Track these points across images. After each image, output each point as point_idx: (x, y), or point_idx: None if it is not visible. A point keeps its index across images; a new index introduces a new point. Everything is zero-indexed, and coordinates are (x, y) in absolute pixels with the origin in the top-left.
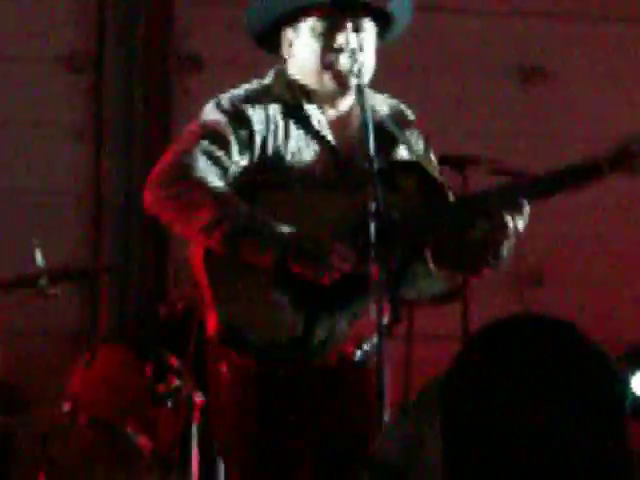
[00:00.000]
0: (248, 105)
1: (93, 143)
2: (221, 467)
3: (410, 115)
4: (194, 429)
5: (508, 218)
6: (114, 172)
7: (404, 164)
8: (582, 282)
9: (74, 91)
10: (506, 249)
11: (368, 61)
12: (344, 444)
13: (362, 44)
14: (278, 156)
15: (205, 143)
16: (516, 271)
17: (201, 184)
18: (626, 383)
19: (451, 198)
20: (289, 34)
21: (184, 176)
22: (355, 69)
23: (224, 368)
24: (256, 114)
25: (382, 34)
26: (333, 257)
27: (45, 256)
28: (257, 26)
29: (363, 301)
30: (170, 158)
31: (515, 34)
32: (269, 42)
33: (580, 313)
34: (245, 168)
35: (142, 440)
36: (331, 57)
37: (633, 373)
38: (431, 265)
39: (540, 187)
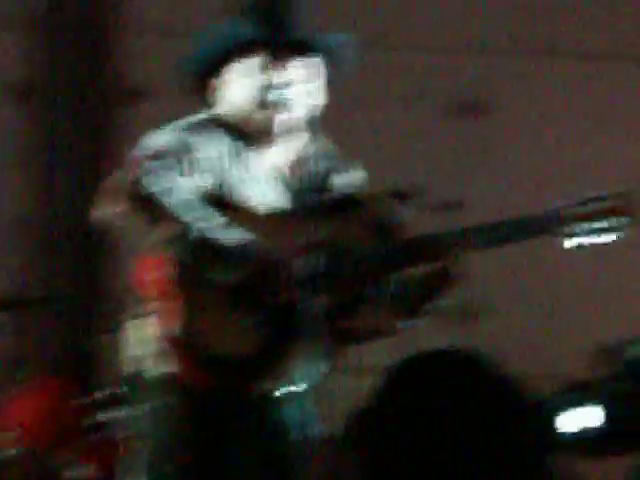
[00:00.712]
0: (190, 132)
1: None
2: None
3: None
4: (117, 462)
5: (452, 264)
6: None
7: (351, 197)
8: (521, 315)
9: (24, 119)
10: (443, 296)
11: (300, 96)
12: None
13: (292, 80)
14: (224, 183)
15: (145, 167)
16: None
17: (148, 194)
18: (541, 421)
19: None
20: (220, 80)
21: (120, 192)
22: (290, 105)
23: (154, 393)
24: (201, 140)
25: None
26: (284, 274)
27: None
28: (191, 74)
29: (309, 342)
30: (114, 179)
31: (455, 69)
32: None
33: (518, 346)
34: (189, 190)
35: (82, 472)
36: (264, 97)
37: (566, 409)
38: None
39: (492, 236)
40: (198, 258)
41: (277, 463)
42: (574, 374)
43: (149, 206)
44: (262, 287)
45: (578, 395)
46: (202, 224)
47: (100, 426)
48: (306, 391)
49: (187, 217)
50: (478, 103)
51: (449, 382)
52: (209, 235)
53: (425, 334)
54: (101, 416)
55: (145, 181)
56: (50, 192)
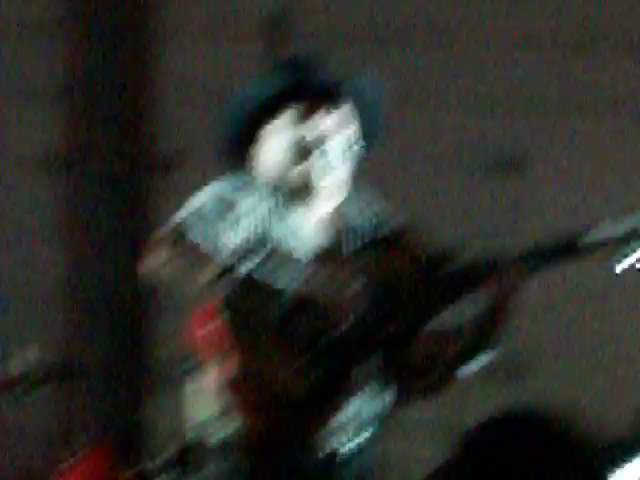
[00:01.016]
0: (235, 193)
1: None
2: None
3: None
4: None
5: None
6: (91, 269)
7: (396, 237)
8: (564, 373)
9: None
10: (501, 331)
11: (335, 152)
12: None
13: (325, 135)
14: (261, 244)
15: (191, 220)
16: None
17: (195, 248)
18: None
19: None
20: (252, 148)
21: (176, 242)
22: (323, 164)
23: (216, 458)
24: (245, 202)
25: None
26: (336, 311)
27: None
28: (227, 143)
29: (358, 376)
30: (160, 231)
31: (492, 127)
32: (239, 161)
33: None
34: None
35: None
36: (295, 153)
37: (615, 467)
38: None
39: (541, 260)
40: (247, 299)
41: None
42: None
43: (192, 253)
44: (314, 325)
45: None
46: (248, 265)
47: None
48: (370, 443)
49: (232, 260)
50: (514, 161)
51: (529, 448)
52: (257, 276)
53: (465, 392)
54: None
55: (188, 230)
56: (89, 261)
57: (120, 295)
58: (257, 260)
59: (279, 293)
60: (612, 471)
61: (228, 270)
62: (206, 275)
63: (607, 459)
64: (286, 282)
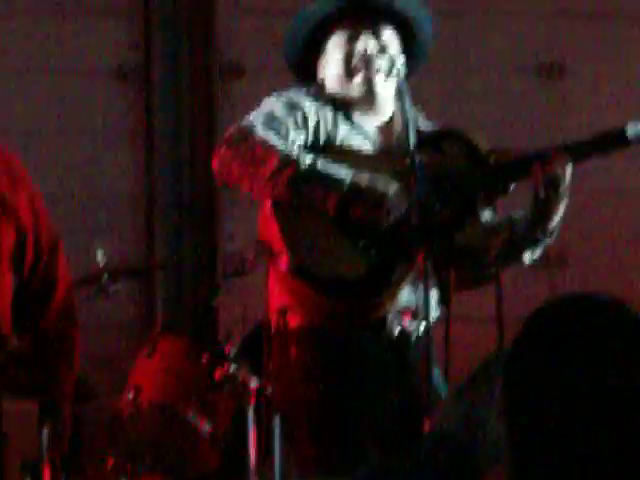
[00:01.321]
0: (303, 97)
1: (144, 149)
2: (277, 445)
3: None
4: (250, 412)
5: (566, 177)
6: (164, 174)
7: (449, 132)
8: (604, 262)
9: (125, 101)
10: (557, 220)
11: (391, 63)
12: (403, 413)
13: (384, 47)
14: (329, 140)
15: (264, 118)
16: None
17: (263, 141)
18: None
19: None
20: (319, 60)
21: (246, 137)
22: (380, 74)
23: (294, 349)
24: (311, 104)
25: (409, 41)
26: (387, 202)
27: (105, 256)
28: (292, 57)
29: (410, 261)
30: (233, 127)
31: (536, 33)
32: (307, 74)
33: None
34: (300, 146)
35: (201, 423)
36: (354, 63)
37: None
38: (484, 215)
39: (577, 150)
40: (301, 189)
41: (414, 397)
42: None
43: (257, 147)
44: (368, 213)
45: None
46: (310, 159)
47: (224, 381)
48: (430, 329)
49: (288, 155)
50: (554, 65)
51: (591, 324)
52: (318, 167)
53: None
54: (228, 370)
55: (255, 128)
56: (153, 168)
57: (193, 194)
58: (318, 156)
59: (339, 184)
60: None
61: (284, 166)
62: (270, 168)
63: None
64: (345, 174)
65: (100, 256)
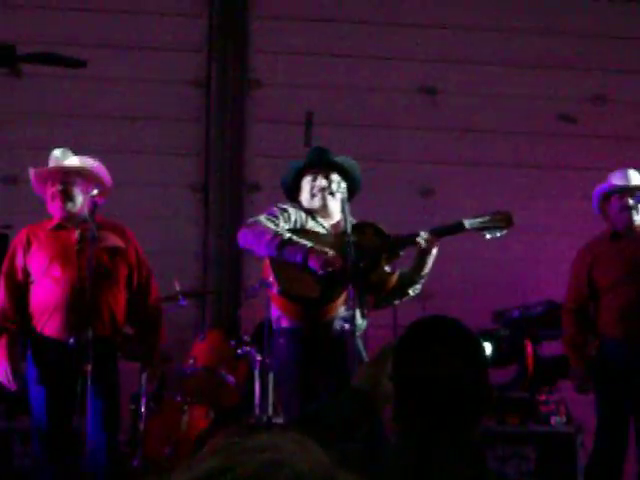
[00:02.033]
0: (288, 206)
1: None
2: (270, 391)
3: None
4: (256, 373)
5: (433, 247)
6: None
7: (367, 223)
8: (460, 291)
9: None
10: (428, 268)
11: (337, 190)
12: (340, 381)
13: (331, 182)
14: (303, 228)
15: (265, 215)
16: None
17: (263, 225)
18: (483, 349)
19: (389, 238)
20: (301, 186)
21: (255, 223)
22: (328, 196)
23: (281, 340)
24: (293, 210)
25: (348, 179)
26: (331, 260)
27: (178, 283)
28: (285, 187)
29: (345, 288)
30: (247, 222)
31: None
32: (293, 195)
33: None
34: (285, 229)
35: (230, 378)
36: (314, 192)
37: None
38: (386, 268)
39: (438, 232)
40: (284, 250)
41: (346, 370)
42: None
43: (262, 229)
44: (319, 263)
45: None
46: (294, 237)
47: (243, 355)
48: (362, 328)
49: (278, 233)
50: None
51: (443, 332)
52: (294, 240)
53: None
54: (245, 350)
55: (260, 221)
56: (205, 225)
57: (229, 251)
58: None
59: (305, 248)
60: None
61: (275, 237)
62: (267, 239)
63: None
64: (308, 244)
65: (176, 285)
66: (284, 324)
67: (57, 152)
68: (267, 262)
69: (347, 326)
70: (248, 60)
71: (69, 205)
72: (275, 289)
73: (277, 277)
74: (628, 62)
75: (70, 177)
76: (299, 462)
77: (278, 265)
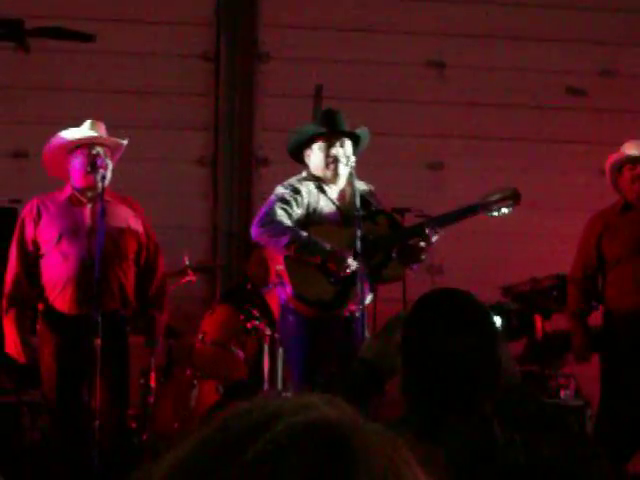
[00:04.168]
0: (299, 184)
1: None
2: (279, 365)
3: (373, 190)
4: (265, 348)
5: (433, 236)
6: (226, 213)
7: (377, 210)
8: (469, 266)
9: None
10: (425, 254)
11: (349, 161)
12: (348, 357)
13: (345, 152)
14: (315, 210)
15: (279, 204)
16: (428, 264)
17: (279, 223)
18: (494, 321)
19: (401, 227)
20: (307, 152)
21: (271, 220)
22: (342, 166)
23: (290, 317)
24: (304, 188)
25: (356, 146)
26: (347, 263)
27: (189, 259)
28: (291, 148)
29: (358, 286)
30: (261, 212)
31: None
32: (298, 156)
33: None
34: (300, 214)
35: (239, 353)
36: (329, 161)
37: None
38: (395, 259)
39: (446, 220)
40: (303, 252)
41: (354, 348)
42: None
43: (277, 227)
44: (336, 267)
45: None
46: (304, 234)
47: (252, 330)
48: (364, 311)
49: (296, 232)
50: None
51: (453, 305)
52: (312, 241)
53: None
54: (254, 324)
55: (274, 214)
56: (215, 205)
57: (235, 231)
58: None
59: (324, 251)
60: None
61: (293, 240)
62: (285, 241)
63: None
64: (327, 246)
65: (186, 260)
66: (292, 306)
67: (88, 123)
68: (281, 261)
69: (357, 312)
70: (257, 34)
71: (98, 177)
72: (289, 290)
73: (291, 279)
74: (638, 35)
75: (103, 149)
76: (300, 415)
77: (292, 265)
